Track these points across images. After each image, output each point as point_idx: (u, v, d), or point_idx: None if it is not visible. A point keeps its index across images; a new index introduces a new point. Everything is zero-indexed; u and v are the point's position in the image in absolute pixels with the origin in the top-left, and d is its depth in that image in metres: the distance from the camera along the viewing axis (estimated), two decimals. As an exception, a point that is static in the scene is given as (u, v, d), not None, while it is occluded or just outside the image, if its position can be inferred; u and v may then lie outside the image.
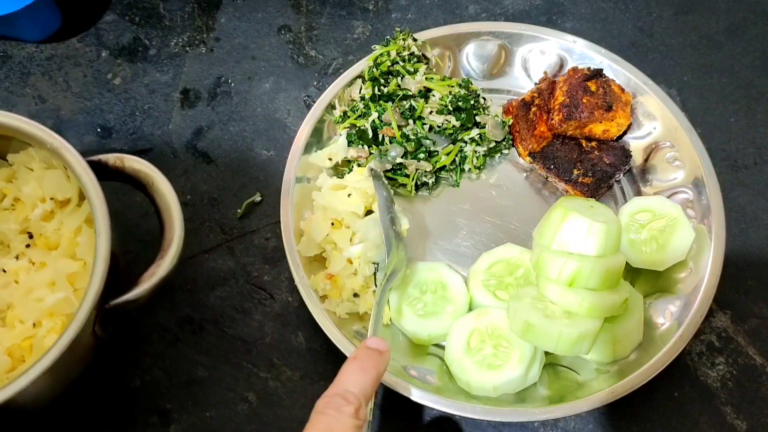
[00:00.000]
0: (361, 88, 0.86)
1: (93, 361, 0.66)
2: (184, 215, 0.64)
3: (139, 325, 0.78)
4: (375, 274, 0.77)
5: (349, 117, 0.85)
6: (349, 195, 0.78)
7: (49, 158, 0.71)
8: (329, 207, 0.78)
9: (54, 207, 0.72)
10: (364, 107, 0.84)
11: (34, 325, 0.66)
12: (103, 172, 0.65)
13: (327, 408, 0.56)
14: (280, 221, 0.77)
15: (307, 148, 0.82)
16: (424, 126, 0.83)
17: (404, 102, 0.84)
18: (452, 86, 0.85)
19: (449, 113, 0.83)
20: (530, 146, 0.84)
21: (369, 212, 0.79)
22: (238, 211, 0.84)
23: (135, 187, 0.67)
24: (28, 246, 0.71)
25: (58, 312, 0.66)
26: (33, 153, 0.71)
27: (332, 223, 0.77)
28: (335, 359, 0.75)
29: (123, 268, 0.68)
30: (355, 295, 0.76)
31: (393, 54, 0.85)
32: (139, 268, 0.63)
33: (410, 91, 0.84)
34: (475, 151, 0.85)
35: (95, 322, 0.61)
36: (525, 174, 0.87)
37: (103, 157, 0.66)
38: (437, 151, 0.84)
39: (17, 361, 0.65)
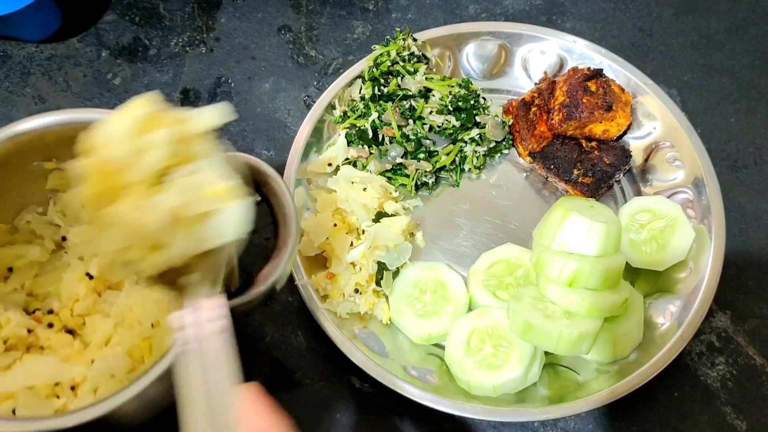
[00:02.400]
0: (361, 88, 0.86)
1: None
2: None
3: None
4: (379, 274, 0.77)
5: (349, 117, 0.85)
6: (364, 189, 0.79)
7: None
8: (342, 197, 0.78)
9: None
10: (364, 107, 0.84)
11: (152, 325, 0.64)
12: None
13: None
14: (280, 221, 0.77)
15: (307, 148, 0.82)
16: (424, 126, 0.83)
17: (404, 102, 0.84)
18: (452, 86, 0.85)
19: (449, 113, 0.83)
20: (530, 146, 0.84)
21: (379, 213, 0.79)
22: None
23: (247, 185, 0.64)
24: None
25: None
26: None
27: (334, 224, 0.77)
28: (335, 359, 0.75)
29: (238, 270, 0.65)
30: (356, 290, 0.75)
31: (393, 54, 0.85)
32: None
33: (410, 91, 0.84)
34: (475, 151, 0.85)
35: None
36: (525, 174, 0.87)
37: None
38: (437, 151, 0.84)
39: (137, 362, 0.64)
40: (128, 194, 0.49)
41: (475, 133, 0.84)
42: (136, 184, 0.48)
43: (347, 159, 0.84)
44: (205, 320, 0.50)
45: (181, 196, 0.49)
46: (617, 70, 0.86)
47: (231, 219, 0.52)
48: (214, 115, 0.52)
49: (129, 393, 0.53)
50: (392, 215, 0.79)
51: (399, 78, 0.85)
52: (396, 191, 0.83)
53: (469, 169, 0.85)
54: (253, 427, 0.45)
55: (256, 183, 0.63)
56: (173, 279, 0.52)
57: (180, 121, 0.51)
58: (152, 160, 0.49)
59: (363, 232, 0.78)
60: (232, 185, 0.52)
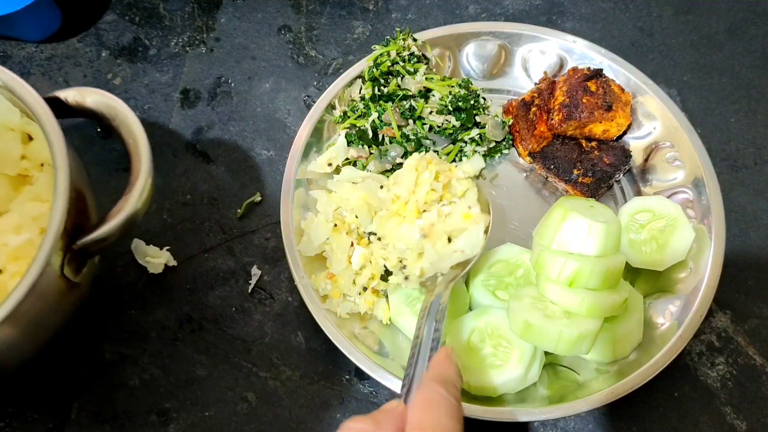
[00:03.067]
0: (361, 88, 0.86)
1: (72, 324, 0.62)
2: (184, 215, 0.63)
3: (139, 324, 0.78)
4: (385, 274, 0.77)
5: (349, 117, 0.85)
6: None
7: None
8: (341, 197, 0.77)
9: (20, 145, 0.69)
10: (364, 107, 0.84)
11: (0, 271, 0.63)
12: (63, 109, 0.62)
13: None
14: (280, 221, 0.77)
15: (307, 148, 0.82)
16: (424, 126, 0.83)
17: (404, 102, 0.84)
18: (452, 86, 0.85)
19: (449, 113, 0.83)
20: (530, 146, 0.84)
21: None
22: (238, 211, 0.84)
23: (97, 121, 0.63)
24: None
25: (24, 255, 0.63)
26: None
27: (334, 225, 0.77)
28: (335, 359, 0.75)
29: (94, 209, 0.64)
30: (365, 288, 0.75)
31: (393, 54, 0.85)
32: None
33: (410, 91, 0.84)
34: (475, 151, 0.85)
35: (63, 263, 0.57)
36: (525, 174, 0.87)
37: (61, 93, 0.63)
38: (437, 151, 0.84)
39: None
40: (405, 216, 0.74)
41: (475, 133, 0.84)
42: (411, 210, 0.73)
43: (347, 159, 0.84)
44: None
45: (433, 219, 0.72)
46: (617, 70, 0.86)
47: (475, 238, 0.73)
48: (472, 166, 0.78)
49: None
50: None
51: (399, 78, 0.85)
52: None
53: (469, 169, 0.85)
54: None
55: (107, 118, 0.63)
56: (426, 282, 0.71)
57: (447, 168, 0.75)
58: (421, 193, 0.73)
59: (368, 234, 0.77)
60: (476, 213, 0.73)
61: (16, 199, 0.68)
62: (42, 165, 0.69)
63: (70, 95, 0.63)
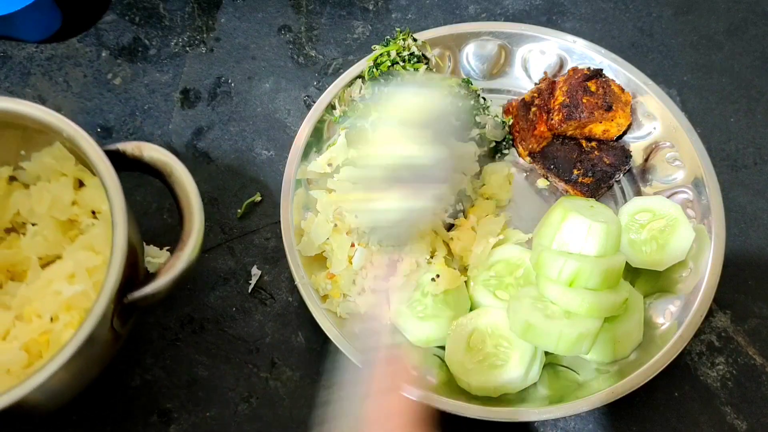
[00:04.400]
0: (361, 88, 0.86)
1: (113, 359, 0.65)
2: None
3: (140, 324, 0.78)
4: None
5: (349, 117, 0.85)
6: None
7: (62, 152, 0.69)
8: (341, 197, 0.78)
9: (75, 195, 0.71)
10: (364, 107, 0.84)
11: (51, 319, 0.64)
12: (120, 161, 0.63)
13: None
14: (280, 221, 0.77)
15: (307, 148, 0.82)
16: (424, 126, 0.83)
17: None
18: (452, 86, 0.85)
19: (449, 113, 0.83)
20: (530, 146, 0.84)
21: None
22: (238, 211, 0.84)
23: (154, 176, 0.65)
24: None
25: (76, 306, 0.64)
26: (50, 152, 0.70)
27: (335, 225, 0.77)
28: (335, 359, 0.75)
29: (143, 262, 0.67)
30: (364, 290, 0.75)
31: (393, 54, 0.85)
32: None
33: (410, 91, 0.84)
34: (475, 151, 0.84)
35: (113, 317, 0.59)
36: (525, 174, 0.87)
37: (120, 145, 0.64)
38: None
39: (34, 356, 0.64)
40: None
41: (475, 133, 0.84)
42: None
43: (347, 159, 0.84)
44: None
45: None
46: (617, 70, 0.86)
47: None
48: None
49: (28, 386, 0.54)
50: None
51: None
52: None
53: (469, 169, 0.85)
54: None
55: (162, 173, 0.64)
56: None
57: None
58: None
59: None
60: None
61: (70, 247, 0.69)
62: (93, 213, 0.71)
63: (129, 148, 0.64)
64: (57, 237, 0.71)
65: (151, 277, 0.60)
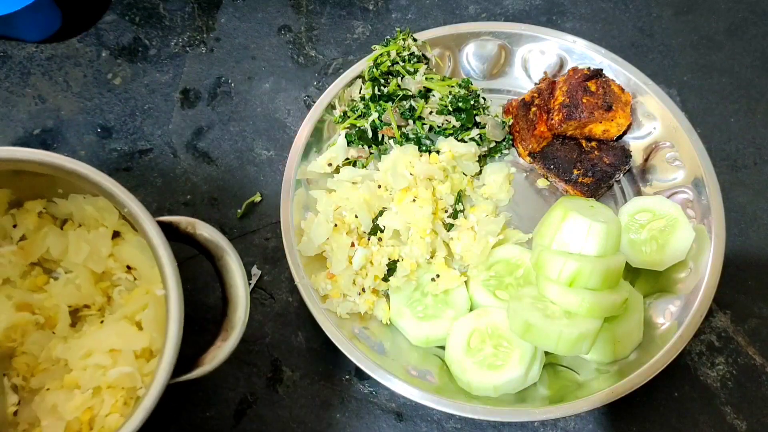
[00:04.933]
0: (361, 88, 0.86)
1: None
2: (184, 215, 0.63)
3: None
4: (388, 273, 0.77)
5: (349, 117, 0.85)
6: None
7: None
8: (341, 197, 0.78)
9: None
10: (364, 107, 0.84)
11: (92, 393, 0.63)
12: (172, 233, 0.62)
13: None
14: (280, 221, 0.77)
15: (307, 148, 0.82)
16: (424, 126, 0.83)
17: (404, 102, 0.84)
18: (452, 86, 0.85)
19: (449, 113, 0.83)
20: (530, 146, 0.84)
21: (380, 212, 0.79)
22: (238, 211, 0.84)
23: (203, 255, 0.63)
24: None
25: (119, 385, 0.64)
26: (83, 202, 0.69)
27: (335, 225, 0.77)
28: (335, 359, 0.75)
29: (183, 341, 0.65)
30: (364, 290, 0.75)
31: (393, 54, 0.85)
32: (202, 337, 0.61)
33: (410, 91, 0.84)
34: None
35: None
36: (525, 174, 0.87)
37: (174, 219, 0.62)
38: (438, 151, 0.84)
39: None
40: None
41: (475, 133, 0.84)
42: None
43: (347, 159, 0.84)
44: None
45: None
46: (617, 70, 0.86)
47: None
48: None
49: None
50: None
51: (399, 78, 0.85)
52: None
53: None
54: None
55: (212, 255, 0.62)
56: None
57: None
58: None
59: (379, 231, 0.77)
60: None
61: (109, 317, 0.68)
62: (128, 268, 0.70)
63: (182, 223, 0.62)
64: (89, 288, 0.70)
65: (192, 361, 0.60)
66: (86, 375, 0.64)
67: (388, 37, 0.87)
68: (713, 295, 0.73)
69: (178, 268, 0.59)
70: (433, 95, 0.85)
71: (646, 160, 0.84)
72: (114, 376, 0.63)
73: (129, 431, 0.55)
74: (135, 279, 0.71)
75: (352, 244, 0.76)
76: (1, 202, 0.70)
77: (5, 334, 0.66)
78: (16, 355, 0.67)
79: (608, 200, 0.85)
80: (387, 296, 0.77)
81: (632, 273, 0.77)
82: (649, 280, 0.77)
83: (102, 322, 0.69)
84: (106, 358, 0.64)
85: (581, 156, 0.82)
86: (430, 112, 0.84)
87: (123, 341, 0.65)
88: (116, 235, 0.72)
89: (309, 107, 0.87)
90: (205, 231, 0.62)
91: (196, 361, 0.60)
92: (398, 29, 0.88)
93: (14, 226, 0.71)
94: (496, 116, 0.86)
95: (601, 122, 0.81)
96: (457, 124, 0.83)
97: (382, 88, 0.85)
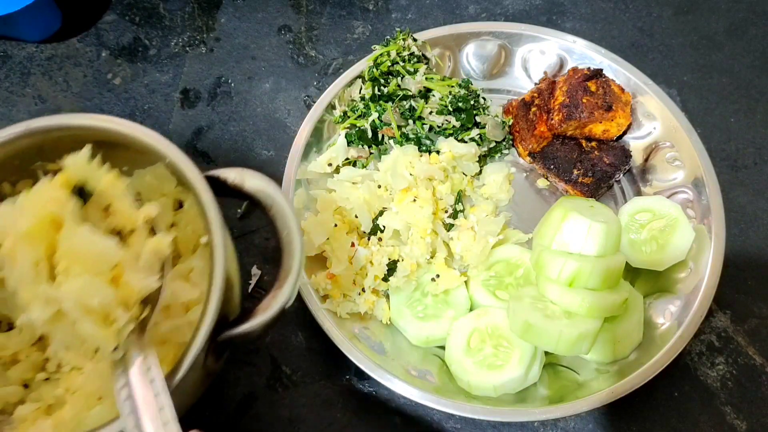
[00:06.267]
0: (361, 88, 0.86)
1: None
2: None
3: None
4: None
5: (349, 117, 0.85)
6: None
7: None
8: (341, 197, 0.78)
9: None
10: (364, 107, 0.84)
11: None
12: (220, 188, 0.60)
13: None
14: (280, 221, 0.77)
15: (307, 148, 0.82)
16: (424, 126, 0.83)
17: (404, 102, 0.84)
18: (452, 86, 0.85)
19: (449, 113, 0.83)
20: (530, 146, 0.84)
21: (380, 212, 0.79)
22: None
23: (254, 206, 0.61)
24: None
25: (171, 340, 0.62)
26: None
27: (335, 225, 0.77)
28: (335, 359, 0.75)
29: (240, 296, 0.64)
30: (364, 290, 0.76)
31: (393, 54, 0.85)
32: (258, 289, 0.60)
33: (410, 91, 0.84)
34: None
35: (207, 354, 0.56)
36: (525, 174, 0.87)
37: (222, 173, 0.60)
38: (438, 152, 0.84)
39: None
40: None
41: (475, 133, 0.84)
42: None
43: (347, 159, 0.84)
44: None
45: None
46: (617, 70, 0.86)
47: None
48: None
49: (119, 426, 0.50)
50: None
51: (399, 78, 0.85)
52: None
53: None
54: None
55: (263, 205, 0.61)
56: None
57: None
58: None
59: (379, 231, 0.77)
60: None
61: (167, 276, 0.65)
62: (192, 233, 0.68)
63: (230, 176, 0.60)
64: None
65: (247, 314, 0.57)
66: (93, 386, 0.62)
67: (388, 37, 0.87)
68: (713, 295, 0.73)
69: (221, 215, 0.57)
70: (433, 95, 0.85)
71: (646, 160, 0.84)
72: (164, 330, 0.61)
73: (177, 377, 0.52)
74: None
75: (352, 244, 0.76)
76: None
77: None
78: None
79: (608, 200, 0.85)
80: (387, 296, 0.77)
81: (632, 273, 0.77)
82: (649, 280, 0.77)
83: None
84: (160, 315, 0.62)
85: (581, 156, 0.82)
86: (430, 112, 0.84)
87: (174, 296, 0.63)
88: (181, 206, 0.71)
89: (309, 107, 0.88)
90: (255, 180, 0.59)
91: (252, 312, 0.57)
92: (398, 29, 0.88)
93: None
94: (496, 116, 0.86)
95: (601, 122, 0.81)
96: (457, 124, 0.83)
97: (382, 88, 0.85)
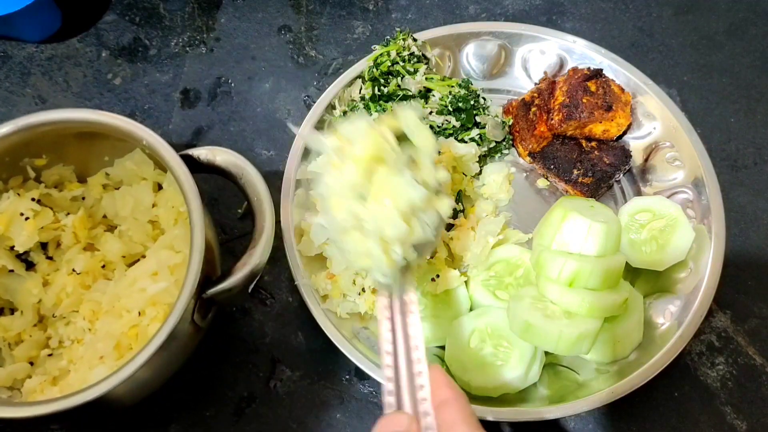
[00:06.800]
0: (361, 88, 0.86)
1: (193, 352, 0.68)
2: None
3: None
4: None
5: (349, 117, 0.85)
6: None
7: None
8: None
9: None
10: (364, 107, 0.84)
11: (139, 314, 0.68)
12: (195, 165, 0.67)
13: None
14: (280, 221, 0.77)
15: (307, 148, 0.82)
16: (424, 126, 0.83)
17: (404, 102, 0.84)
18: (452, 86, 0.85)
19: (449, 113, 0.83)
20: (530, 146, 0.84)
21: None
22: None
23: (226, 178, 0.69)
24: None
25: (160, 301, 0.68)
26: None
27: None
28: (335, 359, 0.75)
29: (219, 259, 0.70)
30: (364, 290, 0.75)
31: (393, 54, 0.85)
32: (236, 257, 0.65)
33: (410, 91, 0.84)
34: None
35: (194, 311, 0.63)
36: (525, 174, 0.87)
37: (194, 151, 0.68)
38: (438, 152, 0.84)
39: (125, 349, 0.68)
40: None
41: (475, 133, 0.84)
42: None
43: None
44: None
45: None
46: (617, 70, 0.86)
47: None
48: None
49: (121, 376, 0.57)
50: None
51: (399, 78, 0.85)
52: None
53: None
54: (439, 397, 0.52)
55: (234, 175, 0.68)
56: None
57: None
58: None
59: None
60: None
61: (152, 247, 0.73)
62: (172, 208, 0.75)
63: (202, 153, 0.68)
64: (140, 237, 0.75)
65: (227, 273, 0.64)
66: (132, 300, 0.69)
67: (388, 37, 0.87)
68: (713, 295, 0.73)
69: (196, 187, 0.65)
70: (433, 95, 0.85)
71: (646, 160, 0.84)
72: (153, 291, 0.68)
73: (165, 332, 0.58)
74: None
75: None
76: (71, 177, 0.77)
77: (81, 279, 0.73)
78: (83, 302, 0.73)
79: (608, 200, 0.85)
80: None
81: (632, 273, 0.77)
82: (649, 280, 0.77)
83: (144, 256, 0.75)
84: (148, 281, 0.69)
85: (581, 156, 0.82)
86: (430, 112, 0.84)
87: (160, 262, 0.70)
88: (160, 188, 0.77)
89: (309, 107, 0.88)
90: (224, 155, 0.68)
91: (230, 271, 0.64)
92: (398, 29, 0.88)
93: (83, 198, 0.77)
94: (496, 116, 0.86)
95: (601, 122, 0.81)
96: (457, 124, 0.83)
97: (382, 88, 0.85)
